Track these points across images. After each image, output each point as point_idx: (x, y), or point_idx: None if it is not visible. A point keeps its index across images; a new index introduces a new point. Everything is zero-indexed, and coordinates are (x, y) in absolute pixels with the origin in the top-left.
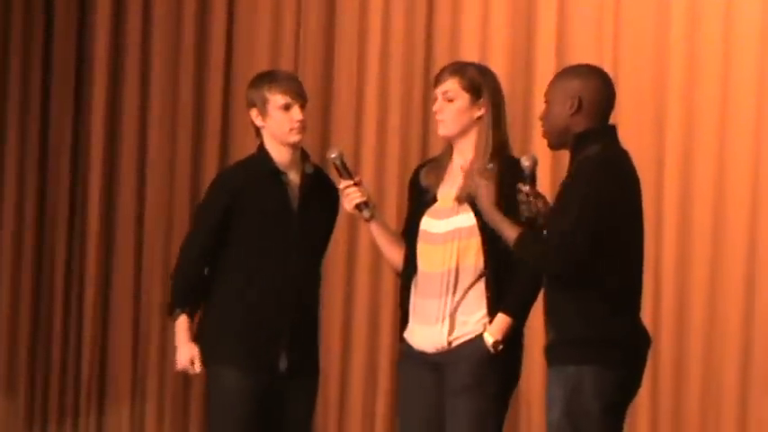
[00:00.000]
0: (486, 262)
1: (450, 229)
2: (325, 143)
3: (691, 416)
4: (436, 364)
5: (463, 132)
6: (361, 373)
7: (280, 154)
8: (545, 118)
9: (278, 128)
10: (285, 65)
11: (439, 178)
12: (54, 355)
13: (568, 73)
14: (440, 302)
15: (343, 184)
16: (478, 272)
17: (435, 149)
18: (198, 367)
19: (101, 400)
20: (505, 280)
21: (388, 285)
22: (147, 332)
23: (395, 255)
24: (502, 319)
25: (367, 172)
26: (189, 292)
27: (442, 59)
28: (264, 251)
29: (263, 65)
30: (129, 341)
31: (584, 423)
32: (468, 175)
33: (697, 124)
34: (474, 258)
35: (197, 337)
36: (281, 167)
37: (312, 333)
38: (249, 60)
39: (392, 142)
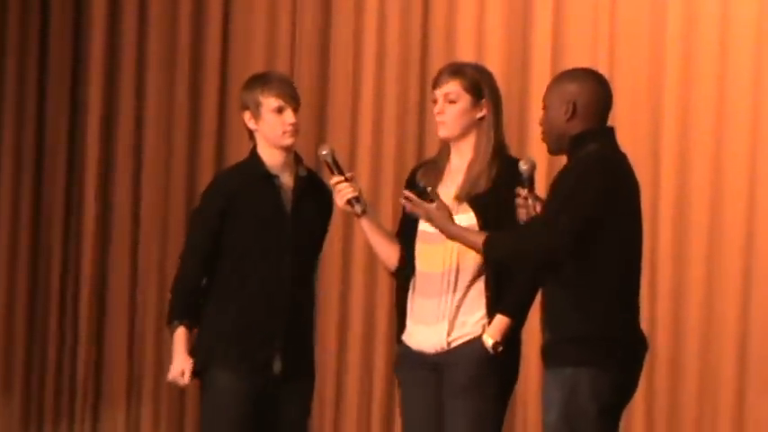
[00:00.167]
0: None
1: None
2: (320, 143)
3: (687, 414)
4: (435, 364)
5: (463, 133)
6: (356, 373)
7: (273, 157)
8: (543, 123)
9: (271, 131)
10: (281, 65)
11: (437, 179)
12: (50, 355)
13: (564, 77)
14: (440, 302)
15: (334, 179)
16: (478, 271)
17: (431, 149)
18: (187, 379)
19: (96, 400)
20: (505, 280)
21: (384, 285)
22: (142, 332)
23: (387, 251)
24: (501, 321)
25: (363, 171)
26: (188, 304)
27: (437, 59)
28: (258, 254)
29: (258, 64)
30: (125, 341)
31: (580, 425)
32: (419, 202)
33: (693, 123)
34: (474, 257)
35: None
36: (274, 171)
37: (307, 335)
38: (245, 60)
39: (388, 142)
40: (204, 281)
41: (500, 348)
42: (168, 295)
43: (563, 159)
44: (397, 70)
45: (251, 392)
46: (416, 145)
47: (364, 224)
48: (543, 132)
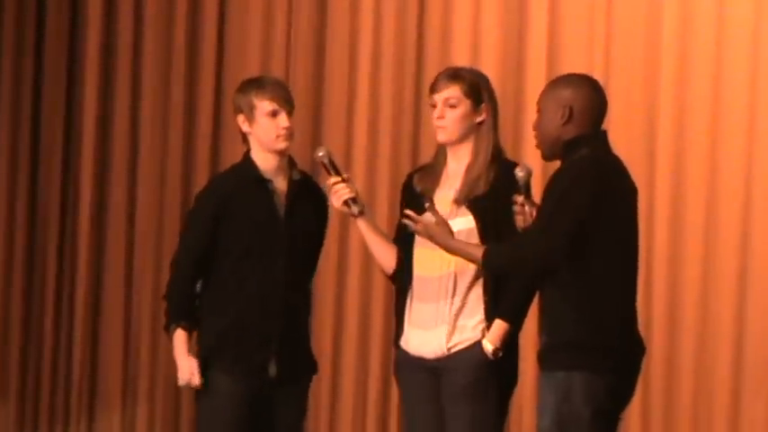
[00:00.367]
0: None
1: None
2: (316, 143)
3: (683, 415)
4: (434, 369)
5: (462, 138)
6: (351, 375)
7: (266, 161)
8: (537, 128)
9: (265, 134)
10: (276, 65)
11: (434, 183)
12: (45, 355)
13: (559, 82)
14: (438, 306)
15: (331, 180)
16: (477, 275)
17: (426, 149)
18: (198, 380)
19: (92, 400)
20: (503, 284)
21: (379, 287)
22: (137, 332)
23: (384, 253)
24: (500, 326)
25: (358, 172)
26: (184, 307)
27: (433, 60)
28: (252, 258)
29: (254, 65)
30: (120, 341)
31: (574, 429)
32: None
33: (689, 123)
34: None
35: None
36: (268, 174)
37: (302, 338)
38: (240, 60)
39: (383, 142)
40: (199, 284)
41: (500, 354)
42: (163, 302)
43: (557, 164)
44: (393, 70)
45: (247, 395)
46: (411, 145)
47: (361, 225)
48: (537, 137)
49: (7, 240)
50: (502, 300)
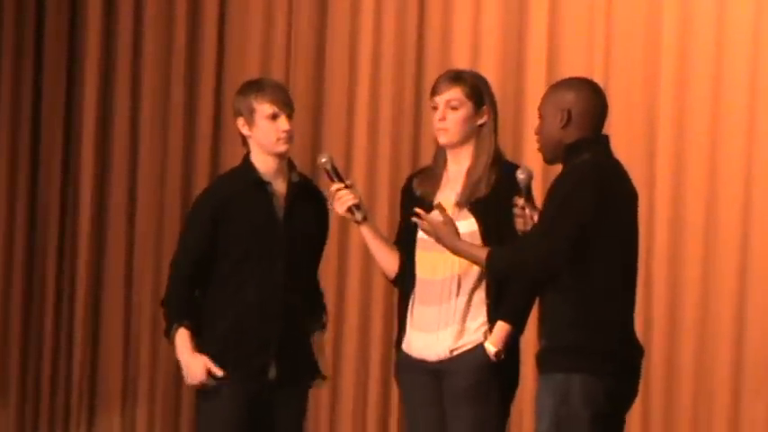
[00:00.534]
0: None
1: None
2: (316, 144)
3: (683, 415)
4: (436, 371)
5: (463, 140)
6: (351, 378)
7: (266, 163)
8: (539, 132)
9: (265, 137)
10: (276, 65)
11: (434, 186)
12: (45, 357)
13: (559, 86)
14: (440, 309)
15: (334, 187)
16: (480, 277)
17: (427, 150)
18: (207, 376)
19: (91, 401)
20: (505, 286)
21: (379, 290)
22: (137, 333)
23: (387, 258)
24: (502, 328)
25: (358, 172)
26: (185, 307)
27: (433, 60)
28: (251, 261)
29: (254, 65)
30: (120, 342)
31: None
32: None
33: (689, 124)
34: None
35: None
36: (267, 177)
37: (303, 341)
38: (240, 61)
39: (383, 142)
40: (198, 289)
41: (502, 356)
42: (162, 307)
43: (559, 167)
44: (393, 71)
45: (246, 397)
46: (411, 145)
47: (364, 231)
48: (539, 141)
49: (7, 241)
50: (503, 302)
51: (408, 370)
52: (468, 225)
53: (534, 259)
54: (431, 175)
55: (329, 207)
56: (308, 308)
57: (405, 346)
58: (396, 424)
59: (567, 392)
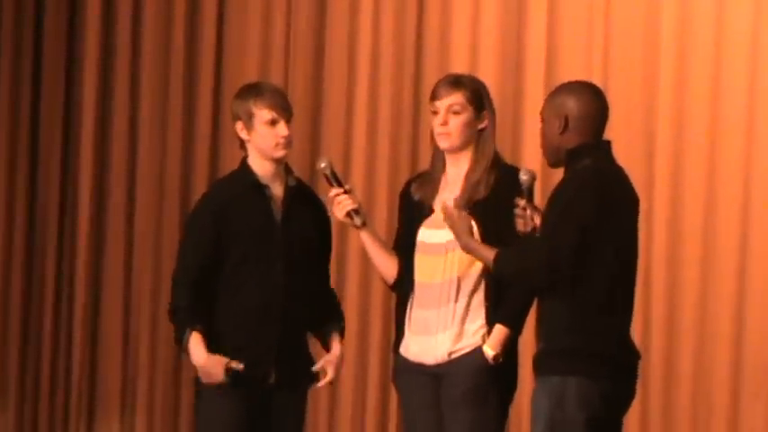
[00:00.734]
0: (485, 270)
1: (450, 239)
2: (315, 145)
3: (682, 416)
4: (435, 375)
5: (464, 145)
6: (350, 382)
7: (263, 167)
8: (542, 137)
9: (263, 142)
10: (275, 66)
11: (434, 190)
12: (44, 356)
13: (559, 91)
14: (439, 313)
15: (333, 192)
16: (479, 280)
17: (425, 150)
18: (239, 365)
19: (91, 401)
20: (504, 290)
21: (378, 294)
22: (136, 333)
23: (386, 263)
24: (500, 331)
25: (357, 173)
26: (194, 312)
27: (432, 61)
28: (249, 263)
29: (253, 66)
30: (120, 343)
31: None
32: (446, 211)
33: (688, 125)
34: (475, 267)
35: None
36: (265, 181)
37: (302, 345)
38: (239, 61)
39: (382, 143)
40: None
41: (500, 359)
42: (168, 316)
43: (560, 170)
44: (392, 71)
45: (245, 401)
46: (410, 146)
47: (364, 236)
48: (542, 146)
49: (6, 241)
50: (502, 305)
51: (406, 374)
52: None
53: (538, 267)
54: (429, 179)
55: (328, 212)
56: (308, 312)
57: (403, 350)
58: (394, 429)
59: (562, 395)
